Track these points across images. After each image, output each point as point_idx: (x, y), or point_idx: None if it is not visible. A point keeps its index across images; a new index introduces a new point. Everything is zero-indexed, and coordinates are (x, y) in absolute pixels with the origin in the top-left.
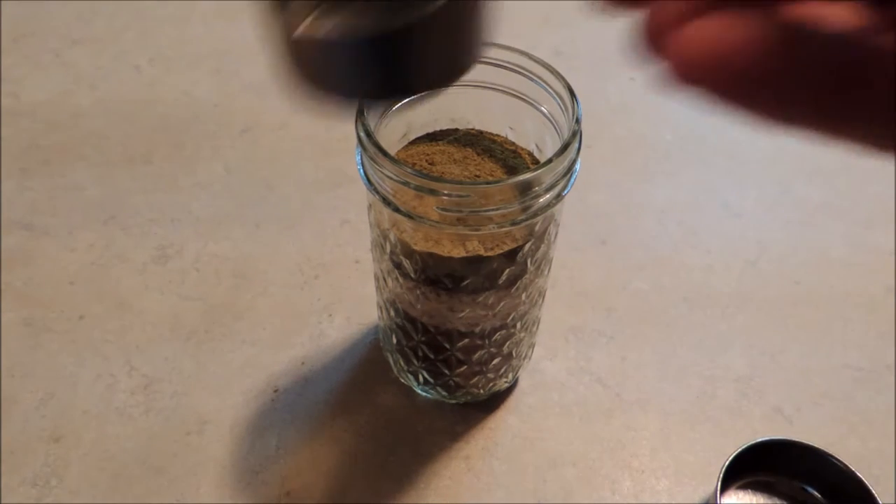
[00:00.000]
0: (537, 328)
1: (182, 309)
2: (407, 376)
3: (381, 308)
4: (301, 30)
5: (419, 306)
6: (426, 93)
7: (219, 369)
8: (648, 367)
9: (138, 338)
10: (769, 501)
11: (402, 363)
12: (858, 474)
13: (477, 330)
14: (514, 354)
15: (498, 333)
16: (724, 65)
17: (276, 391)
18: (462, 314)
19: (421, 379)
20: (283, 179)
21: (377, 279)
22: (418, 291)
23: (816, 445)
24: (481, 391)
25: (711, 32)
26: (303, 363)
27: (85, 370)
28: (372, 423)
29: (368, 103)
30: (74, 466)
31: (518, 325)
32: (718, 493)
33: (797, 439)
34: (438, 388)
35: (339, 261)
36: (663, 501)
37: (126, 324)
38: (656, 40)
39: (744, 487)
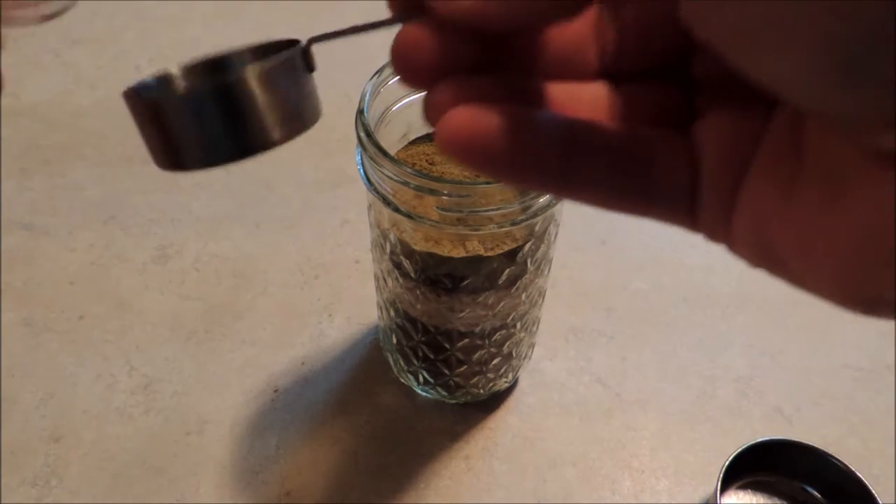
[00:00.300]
0: (537, 328)
1: (182, 309)
2: (407, 376)
3: (381, 308)
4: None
5: (419, 306)
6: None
7: (219, 369)
8: (648, 367)
9: (138, 338)
10: (769, 501)
11: (402, 363)
12: (858, 474)
13: (477, 330)
14: (514, 354)
15: (498, 333)
16: (474, 148)
17: (276, 391)
18: (462, 314)
19: (421, 379)
20: (283, 179)
21: (377, 279)
22: (418, 291)
23: (816, 445)
24: (481, 391)
25: (464, 119)
26: (303, 363)
27: (85, 370)
28: (372, 423)
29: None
30: (74, 466)
31: (518, 325)
32: (718, 493)
33: (797, 439)
34: (438, 388)
35: (339, 261)
36: (663, 501)
37: (126, 324)
38: (431, 118)
39: (744, 487)
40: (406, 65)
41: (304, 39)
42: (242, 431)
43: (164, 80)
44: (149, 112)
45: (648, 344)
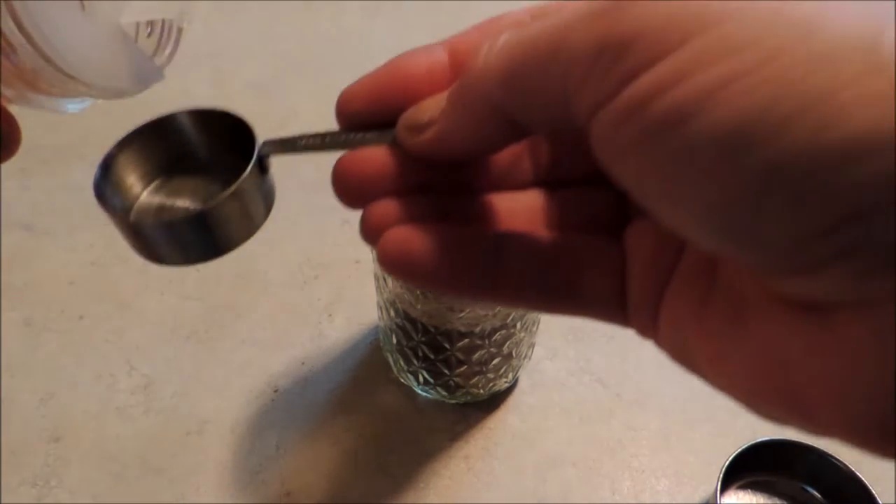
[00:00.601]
0: (537, 328)
1: (182, 309)
2: (407, 376)
3: (381, 308)
4: (132, 217)
5: (419, 306)
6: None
7: (219, 369)
8: (648, 367)
9: (138, 338)
10: (769, 501)
11: (402, 363)
12: (858, 474)
13: (477, 330)
14: (514, 354)
15: (498, 333)
16: (412, 267)
17: (276, 391)
18: (462, 314)
19: (421, 379)
20: (283, 179)
21: (377, 279)
22: (418, 291)
23: (816, 445)
24: (481, 391)
25: (400, 239)
26: (303, 363)
27: (85, 370)
28: (372, 423)
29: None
30: (74, 466)
31: (518, 325)
32: (718, 493)
33: (797, 439)
34: (438, 388)
35: (339, 261)
36: (663, 501)
37: (126, 324)
38: (370, 237)
39: (744, 487)
40: (349, 186)
41: (255, 138)
42: (242, 431)
43: (108, 166)
44: (123, 226)
45: (648, 344)
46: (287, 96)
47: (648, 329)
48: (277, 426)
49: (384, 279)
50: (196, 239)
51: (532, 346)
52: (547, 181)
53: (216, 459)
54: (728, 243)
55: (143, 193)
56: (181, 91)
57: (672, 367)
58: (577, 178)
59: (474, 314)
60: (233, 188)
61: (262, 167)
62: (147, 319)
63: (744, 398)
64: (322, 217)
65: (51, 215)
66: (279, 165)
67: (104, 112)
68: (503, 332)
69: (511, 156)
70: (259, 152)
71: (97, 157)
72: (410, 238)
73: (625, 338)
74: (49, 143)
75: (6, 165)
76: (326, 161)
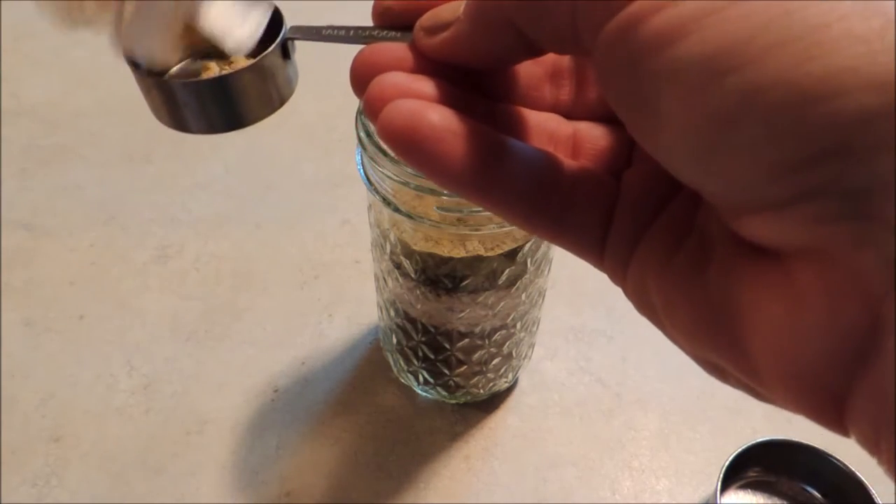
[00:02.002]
0: (537, 328)
1: (182, 309)
2: (407, 376)
3: (381, 308)
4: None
5: (419, 306)
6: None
7: (219, 369)
8: (648, 367)
9: (138, 338)
10: (769, 501)
11: (402, 363)
12: (858, 474)
13: (477, 330)
14: (514, 354)
15: (498, 333)
16: (415, 140)
17: (276, 391)
18: (462, 314)
19: (421, 379)
20: (283, 179)
21: (377, 279)
22: (418, 291)
23: (816, 445)
24: (481, 391)
25: (409, 109)
26: (303, 363)
27: (85, 370)
28: (372, 423)
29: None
30: (74, 466)
31: (518, 325)
32: (718, 493)
33: (797, 439)
34: (438, 388)
35: (339, 261)
36: (663, 501)
37: (126, 324)
38: (373, 103)
39: (744, 487)
40: (364, 74)
41: (285, 24)
42: (242, 431)
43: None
44: (154, 87)
45: (648, 344)
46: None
47: (618, 273)
48: (277, 426)
49: (384, 279)
50: (217, 104)
51: (532, 346)
52: (563, 114)
53: (216, 459)
54: (702, 172)
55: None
56: None
57: (672, 367)
58: (593, 118)
59: (474, 314)
60: (255, 61)
61: (286, 52)
62: (147, 319)
63: (691, 347)
64: (322, 217)
65: (51, 215)
66: (279, 166)
67: (104, 112)
68: (503, 332)
69: (531, 78)
70: (284, 35)
71: (97, 157)
72: (419, 112)
73: (625, 338)
74: (49, 143)
75: (6, 165)
76: (327, 161)
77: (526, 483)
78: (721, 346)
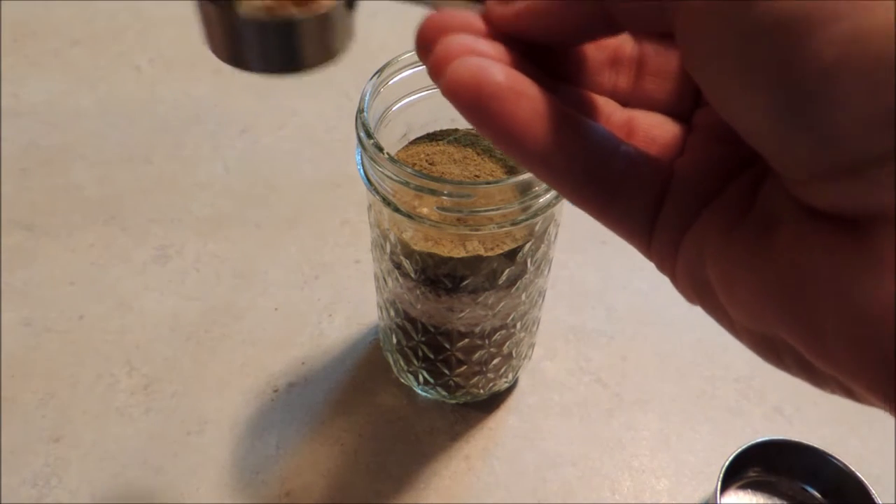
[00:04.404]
0: (537, 328)
1: (182, 309)
2: (407, 376)
3: (381, 308)
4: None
5: (419, 306)
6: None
7: (219, 369)
8: (648, 367)
9: (138, 338)
10: (769, 501)
11: (402, 363)
12: (858, 474)
13: (477, 330)
14: (514, 354)
15: (498, 333)
16: (481, 94)
17: (276, 391)
18: (462, 314)
19: (421, 379)
20: (283, 179)
21: (377, 279)
22: (418, 291)
23: (816, 445)
24: (481, 391)
25: (477, 65)
26: (303, 363)
27: (85, 370)
28: (372, 423)
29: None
30: (74, 466)
31: (518, 325)
32: (718, 493)
33: (797, 439)
34: (438, 388)
35: (339, 261)
36: (663, 501)
37: (126, 324)
38: (439, 63)
39: (744, 487)
40: (431, 38)
41: None
42: (242, 431)
43: None
44: (218, 18)
45: (648, 344)
46: (287, 96)
47: (666, 263)
48: (277, 426)
49: (384, 279)
50: (278, 47)
51: (532, 346)
52: (619, 102)
53: (216, 459)
54: (788, 131)
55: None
56: (181, 91)
57: (672, 367)
58: (648, 109)
59: (474, 314)
60: (322, 11)
61: (350, 3)
62: (147, 319)
63: (752, 322)
64: (322, 217)
65: (51, 215)
66: (279, 166)
67: (104, 112)
68: (503, 332)
69: (592, 62)
70: None
71: (97, 157)
72: (486, 69)
73: (625, 338)
74: (49, 143)
75: (6, 165)
76: (326, 161)
77: (526, 483)
78: (787, 317)
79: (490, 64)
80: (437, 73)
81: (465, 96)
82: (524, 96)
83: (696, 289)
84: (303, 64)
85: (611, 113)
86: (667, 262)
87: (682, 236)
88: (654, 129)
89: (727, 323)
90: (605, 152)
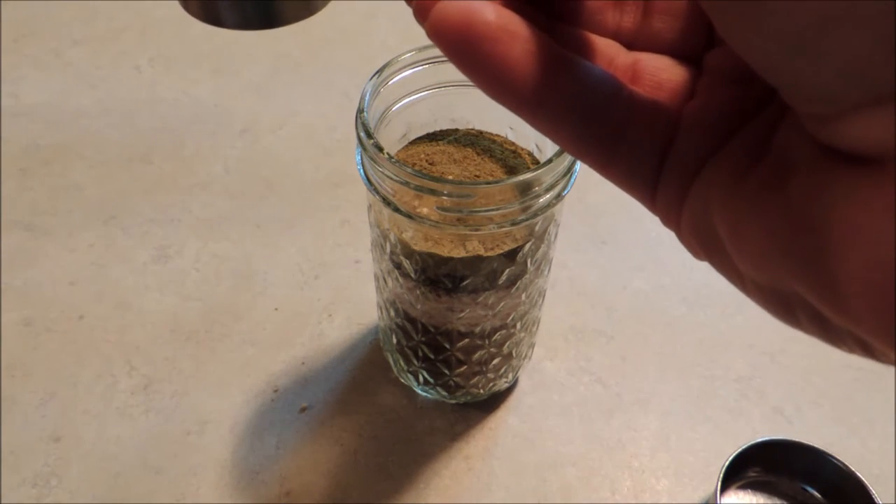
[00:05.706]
0: (537, 328)
1: (182, 309)
2: (407, 376)
3: (381, 308)
4: None
5: (419, 306)
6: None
7: (219, 369)
8: (648, 367)
9: (138, 338)
10: (769, 501)
11: (402, 363)
12: (858, 474)
13: (477, 330)
14: (514, 354)
15: (498, 333)
16: (467, 38)
17: (276, 391)
18: (462, 314)
19: (421, 379)
20: (283, 179)
21: (377, 279)
22: (418, 291)
23: (816, 445)
24: (481, 391)
25: (459, 8)
26: (303, 363)
27: (85, 370)
28: (372, 423)
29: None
30: (74, 466)
31: (518, 325)
32: (718, 493)
33: (797, 439)
34: (438, 388)
35: (339, 261)
36: (663, 501)
37: (126, 324)
38: (423, 5)
39: (744, 487)
40: None
41: None
42: (242, 431)
43: None
44: None
45: (648, 344)
46: (287, 96)
47: (671, 216)
48: (277, 426)
49: (384, 279)
50: (255, 2)
51: (532, 346)
52: (623, 43)
53: (216, 459)
54: (808, 61)
55: None
56: (181, 91)
57: (672, 367)
58: (655, 51)
59: (474, 314)
60: None
61: None
62: (147, 319)
63: (762, 274)
64: (322, 217)
65: (51, 215)
66: (279, 166)
67: (104, 112)
68: (503, 332)
69: (595, 6)
70: None
71: (97, 157)
72: (474, 8)
73: (625, 338)
74: (49, 143)
75: (6, 165)
76: (326, 161)
77: (526, 483)
78: (800, 266)
79: (477, 4)
80: (421, 13)
81: (451, 38)
82: (517, 37)
83: (703, 241)
84: (277, 17)
85: (614, 56)
86: (672, 214)
87: (690, 184)
88: (662, 73)
89: (736, 278)
90: (605, 97)
